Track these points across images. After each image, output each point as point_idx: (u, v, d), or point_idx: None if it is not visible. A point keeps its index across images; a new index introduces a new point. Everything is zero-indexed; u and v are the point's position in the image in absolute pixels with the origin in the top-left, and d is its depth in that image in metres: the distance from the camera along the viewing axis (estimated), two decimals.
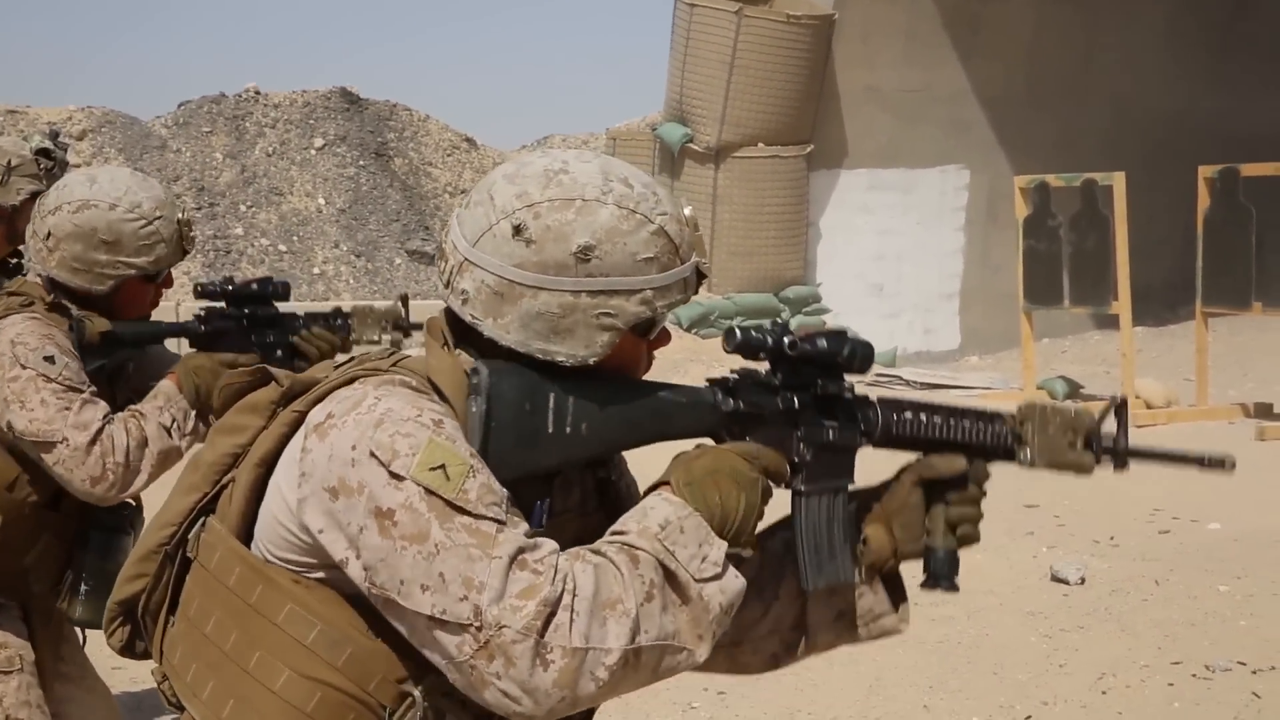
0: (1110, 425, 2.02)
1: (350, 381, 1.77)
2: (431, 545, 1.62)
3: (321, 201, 14.88)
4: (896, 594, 2.03)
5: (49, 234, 3.17)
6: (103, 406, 3.11)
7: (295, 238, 14.57)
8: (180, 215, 3.28)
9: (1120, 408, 2.03)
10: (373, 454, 1.65)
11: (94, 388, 3.14)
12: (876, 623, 2.00)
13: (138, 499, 3.28)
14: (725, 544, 1.72)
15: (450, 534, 1.62)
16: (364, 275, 14.47)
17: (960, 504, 1.97)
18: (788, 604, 1.99)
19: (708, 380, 1.89)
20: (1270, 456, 9.24)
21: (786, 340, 1.85)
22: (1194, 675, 5.36)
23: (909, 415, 1.95)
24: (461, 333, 1.81)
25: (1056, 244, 12.13)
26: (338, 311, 3.57)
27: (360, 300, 13.37)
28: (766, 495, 1.80)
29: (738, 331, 1.84)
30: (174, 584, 1.87)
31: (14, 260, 4.50)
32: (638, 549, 1.68)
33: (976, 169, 15.79)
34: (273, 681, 1.72)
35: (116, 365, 3.31)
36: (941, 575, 1.98)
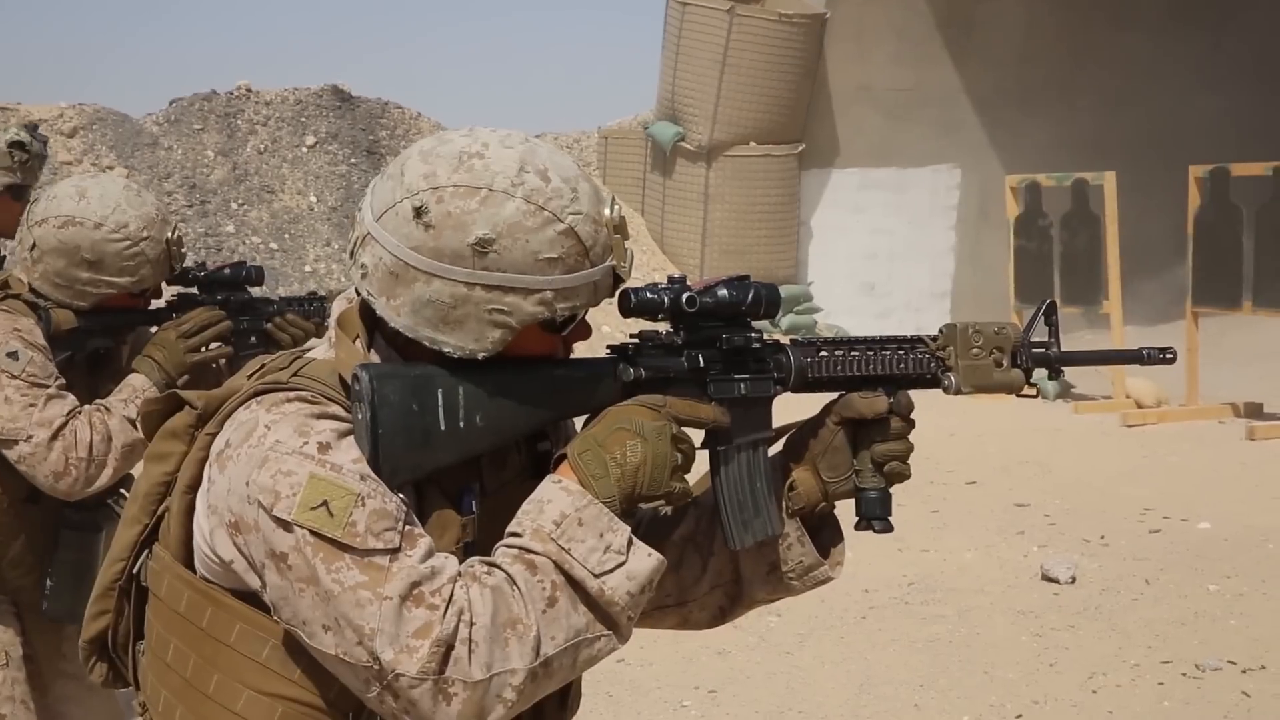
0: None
1: (254, 395, 1.72)
2: (322, 590, 1.59)
3: (313, 199, 14.86)
4: (833, 537, 1.96)
5: (34, 245, 3.15)
6: (69, 401, 3.09)
7: (287, 235, 14.56)
8: (170, 234, 3.24)
9: (1049, 311, 1.98)
10: (258, 499, 1.62)
11: (61, 381, 3.12)
12: (810, 574, 1.93)
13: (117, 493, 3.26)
14: (628, 529, 1.67)
15: (338, 576, 1.58)
16: None
17: (886, 441, 1.88)
18: (724, 558, 1.94)
19: (608, 348, 1.83)
20: (1260, 456, 9.26)
21: (684, 297, 1.78)
22: (1184, 674, 5.37)
23: (824, 355, 1.86)
24: (374, 325, 1.77)
25: (1048, 243, 12.15)
26: (313, 296, 3.55)
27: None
28: (680, 441, 1.72)
29: (632, 294, 1.76)
30: (136, 616, 1.86)
31: None
32: (534, 554, 1.63)
33: (968, 168, 15.81)
34: (233, 703, 1.70)
35: (100, 352, 3.29)
36: (873, 515, 1.90)
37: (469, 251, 1.67)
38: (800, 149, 15.05)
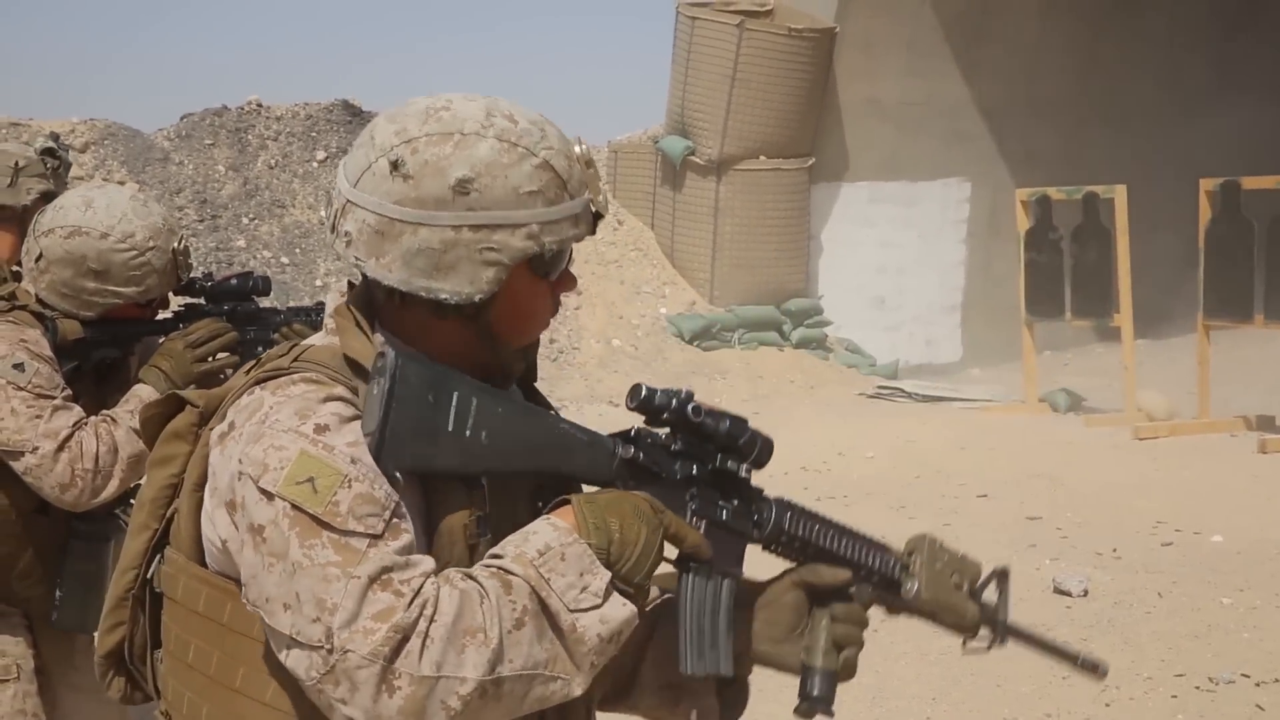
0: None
1: (259, 382, 1.73)
2: (290, 563, 1.58)
3: (324, 214, 14.87)
4: (737, 701, 1.93)
5: (40, 255, 3.16)
6: (76, 412, 3.08)
7: (298, 250, 14.58)
8: (176, 244, 3.23)
9: (1002, 578, 1.99)
10: (245, 473, 1.63)
11: (68, 392, 3.12)
12: (699, 709, 1.90)
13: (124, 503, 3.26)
14: (609, 574, 1.64)
15: (310, 552, 1.57)
16: None
17: (845, 621, 1.86)
18: (631, 650, 1.90)
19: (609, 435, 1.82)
20: (1272, 469, 9.24)
21: (691, 407, 1.78)
22: (1197, 687, 5.35)
23: (803, 520, 1.87)
24: (371, 315, 1.78)
25: (1058, 256, 12.14)
26: (319, 306, 3.55)
27: None
28: (662, 546, 1.71)
29: (644, 388, 1.77)
30: (152, 623, 1.85)
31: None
32: (511, 574, 1.61)
33: (978, 181, 15.81)
34: (263, 694, 1.69)
35: (107, 363, 3.30)
36: (819, 698, 1.83)
37: (451, 194, 1.69)
38: (810, 163, 15.06)
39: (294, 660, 1.59)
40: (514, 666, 1.59)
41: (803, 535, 1.86)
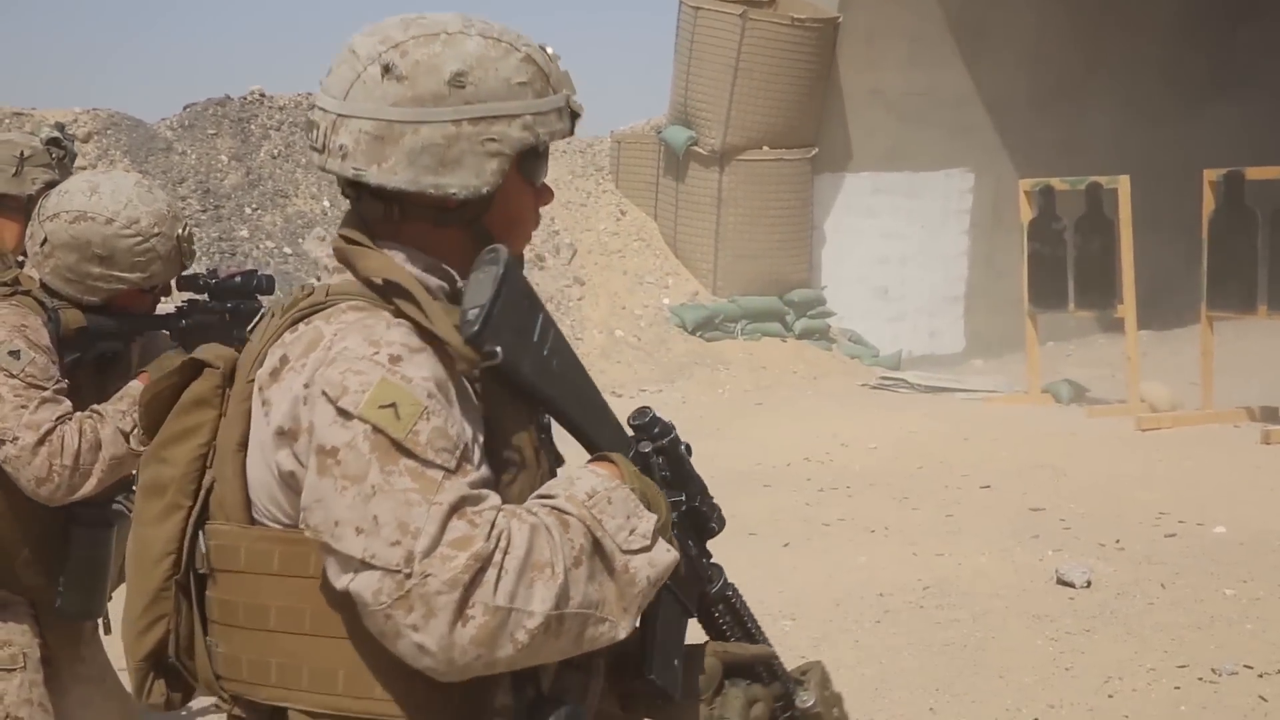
0: None
1: (295, 323, 1.73)
2: (369, 485, 1.57)
3: (326, 204, 14.88)
4: None
5: (44, 240, 3.15)
6: (63, 406, 3.06)
7: (300, 240, 14.58)
8: (181, 230, 3.24)
9: None
10: (323, 392, 1.62)
11: (62, 384, 3.10)
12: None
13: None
14: (655, 517, 1.70)
15: (390, 477, 1.58)
16: None
17: (759, 699, 1.92)
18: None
19: None
20: (1275, 460, 9.24)
21: (684, 444, 1.86)
22: (1200, 679, 5.35)
23: (739, 597, 1.96)
24: (371, 236, 1.79)
25: (1061, 247, 12.12)
26: (253, 273, 3.55)
27: None
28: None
29: (651, 412, 1.84)
30: (198, 608, 1.80)
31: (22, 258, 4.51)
32: (567, 514, 1.64)
33: (981, 172, 15.79)
34: (365, 633, 1.64)
35: (108, 354, 3.29)
36: None
37: (447, 89, 1.72)
38: (813, 153, 15.04)
39: (361, 583, 1.57)
40: (574, 604, 1.61)
41: (737, 610, 1.94)
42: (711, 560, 1.92)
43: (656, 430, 1.84)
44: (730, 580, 1.93)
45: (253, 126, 15.18)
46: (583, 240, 15.24)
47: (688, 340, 14.39)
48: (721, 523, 1.89)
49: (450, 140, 1.71)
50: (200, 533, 1.78)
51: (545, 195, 1.85)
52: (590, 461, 1.77)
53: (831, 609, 6.26)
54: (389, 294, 1.72)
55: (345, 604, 1.65)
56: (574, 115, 1.82)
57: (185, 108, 15.36)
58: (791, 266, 15.01)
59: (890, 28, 15.06)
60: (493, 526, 1.58)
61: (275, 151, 15.11)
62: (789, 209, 14.95)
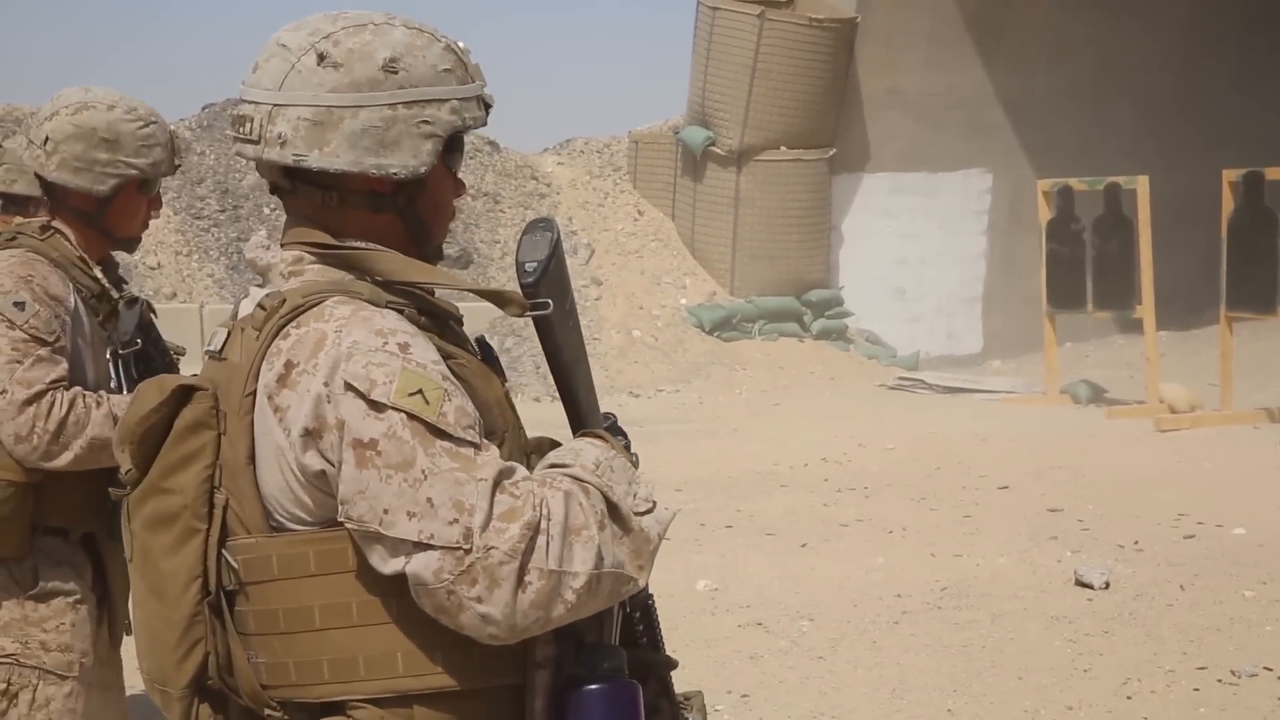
0: None
1: (281, 329, 1.74)
2: (418, 471, 1.65)
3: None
4: None
5: (46, 139, 3.15)
6: (59, 369, 3.01)
7: None
8: (171, 126, 3.31)
9: None
10: (349, 385, 1.67)
11: (62, 341, 3.05)
12: None
13: None
14: (650, 482, 1.82)
15: (435, 459, 1.65)
16: None
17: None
18: None
19: None
20: None
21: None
22: (1220, 680, 5.33)
23: (651, 600, 2.02)
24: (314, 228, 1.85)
25: (1080, 248, 12.10)
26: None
27: None
28: None
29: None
30: (235, 624, 1.79)
31: None
32: (586, 482, 1.74)
33: (999, 172, 15.77)
34: (422, 613, 1.70)
35: (153, 359, 3.28)
36: None
37: (381, 74, 1.80)
38: (831, 153, 15.04)
39: (418, 564, 1.65)
40: (608, 564, 1.71)
41: (652, 618, 2.01)
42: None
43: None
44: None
45: None
46: (600, 240, 15.24)
47: (705, 340, 14.39)
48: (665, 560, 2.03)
49: (388, 123, 1.79)
50: (223, 551, 1.78)
51: (460, 187, 1.94)
52: (579, 436, 1.88)
53: (849, 610, 6.25)
54: (392, 289, 1.80)
55: (390, 589, 1.70)
56: (487, 106, 1.90)
57: (204, 108, 15.41)
58: (809, 267, 15.01)
59: (908, 28, 15.05)
60: (532, 495, 1.67)
61: None
62: (806, 209, 14.95)
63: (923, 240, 15.61)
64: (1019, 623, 6.06)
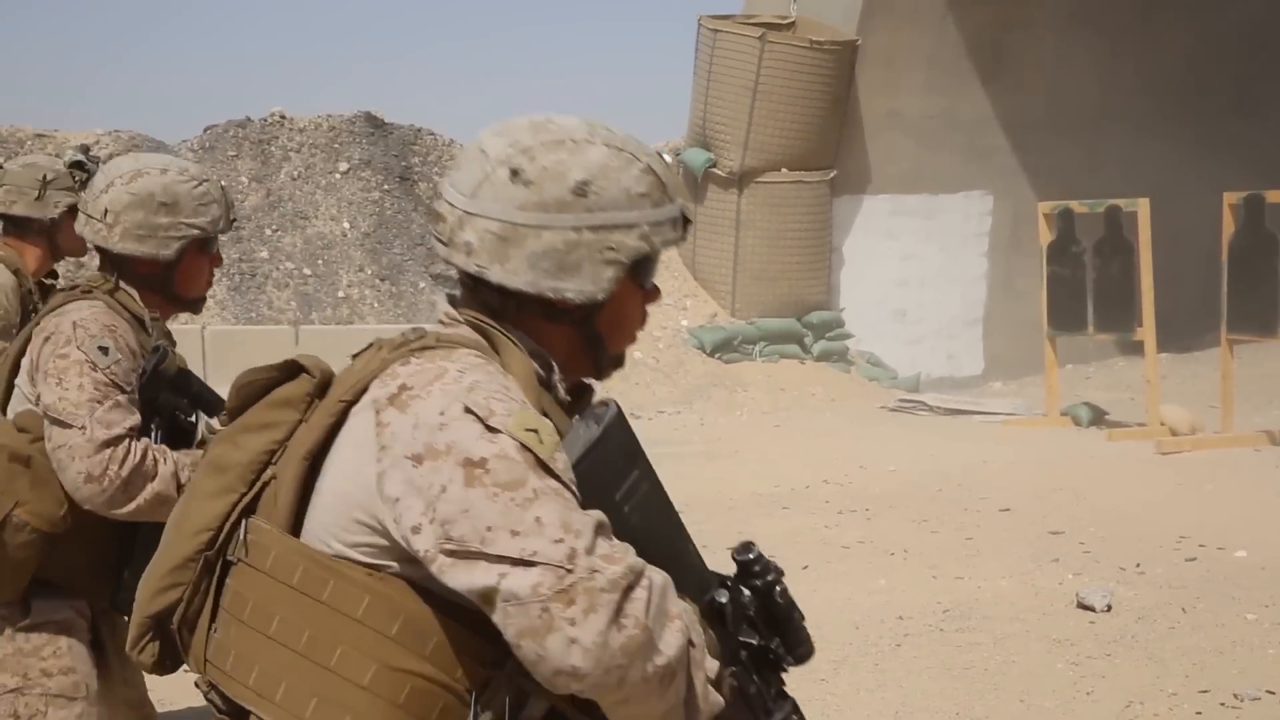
0: None
1: (407, 357, 1.77)
2: (529, 490, 1.61)
3: (346, 225, 14.93)
4: None
5: (105, 211, 3.16)
6: (134, 417, 3.03)
7: (320, 261, 14.62)
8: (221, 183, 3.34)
9: None
10: (468, 410, 1.66)
11: (136, 396, 3.06)
12: None
13: None
14: (715, 664, 1.75)
15: (545, 482, 1.63)
16: (388, 299, 14.51)
17: None
18: None
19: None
20: None
21: (779, 588, 1.88)
22: (1222, 704, 5.33)
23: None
24: (496, 320, 1.83)
25: (1080, 270, 12.10)
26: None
27: (384, 324, 13.42)
28: None
29: (755, 549, 1.87)
30: (216, 591, 1.82)
31: (50, 280, 4.54)
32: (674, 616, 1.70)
33: (1000, 194, 15.79)
34: (360, 676, 1.68)
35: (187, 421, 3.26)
36: None
37: (571, 197, 1.78)
38: (832, 175, 15.06)
39: (515, 580, 1.58)
40: (680, 679, 1.65)
41: None
42: (783, 692, 1.93)
43: (757, 569, 1.86)
44: (802, 715, 1.95)
45: (273, 148, 15.25)
46: None
47: (706, 362, 14.40)
48: (803, 658, 1.92)
49: (571, 246, 1.78)
50: (244, 522, 1.81)
51: (654, 295, 1.91)
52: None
53: (851, 632, 6.25)
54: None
55: (342, 638, 1.69)
56: (686, 222, 1.88)
57: (206, 129, 15.44)
58: (810, 288, 15.02)
59: (909, 50, 15.08)
60: (630, 553, 1.63)
61: (295, 173, 15.18)
62: (807, 231, 14.96)
63: (923, 262, 15.62)
64: (1021, 645, 6.06)
